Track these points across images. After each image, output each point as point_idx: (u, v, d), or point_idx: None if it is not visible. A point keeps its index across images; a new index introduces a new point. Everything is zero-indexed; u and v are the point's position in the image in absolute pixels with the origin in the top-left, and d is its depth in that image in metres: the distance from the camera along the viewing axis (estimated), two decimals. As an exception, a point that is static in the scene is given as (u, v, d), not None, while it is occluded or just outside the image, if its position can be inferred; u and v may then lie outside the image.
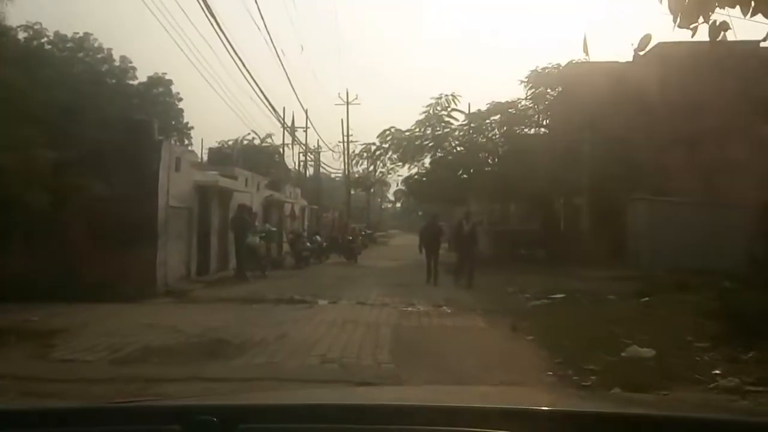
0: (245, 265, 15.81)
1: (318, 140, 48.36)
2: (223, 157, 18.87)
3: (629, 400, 2.56)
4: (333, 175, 56.54)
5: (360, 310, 10.77)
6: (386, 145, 23.71)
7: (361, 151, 24.41)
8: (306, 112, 44.53)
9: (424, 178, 24.69)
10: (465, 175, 25.24)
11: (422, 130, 23.80)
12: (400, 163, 25.01)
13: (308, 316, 10.09)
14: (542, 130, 26.26)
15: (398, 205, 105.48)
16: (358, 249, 24.94)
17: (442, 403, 1.62)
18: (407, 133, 23.55)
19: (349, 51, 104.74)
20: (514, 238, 24.09)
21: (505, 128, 25.03)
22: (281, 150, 42.76)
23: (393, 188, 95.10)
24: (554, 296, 12.01)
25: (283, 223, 24.97)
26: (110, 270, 12.22)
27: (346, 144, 38.45)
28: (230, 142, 45.68)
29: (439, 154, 25.07)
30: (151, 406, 1.59)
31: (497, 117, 24.76)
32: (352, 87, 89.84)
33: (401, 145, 23.59)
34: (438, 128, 24.08)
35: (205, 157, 24.83)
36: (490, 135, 25.16)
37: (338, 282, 15.81)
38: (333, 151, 39.40)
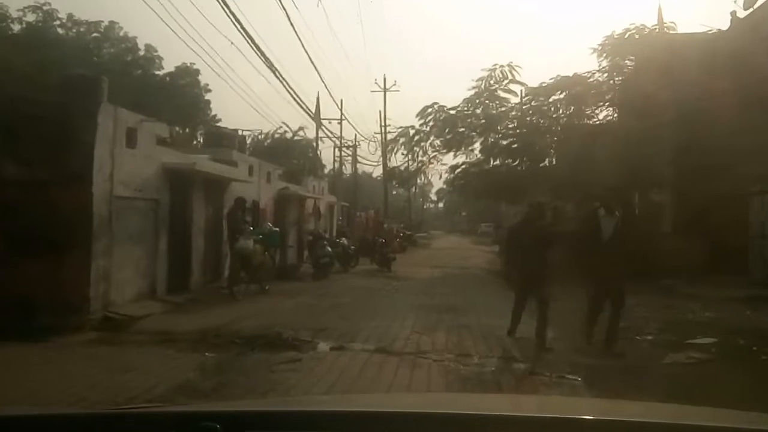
0: (233, 278, 11.62)
1: (355, 135, 44.42)
2: (224, 140, 14.63)
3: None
4: (375, 175, 52.32)
5: (378, 372, 6.35)
6: (427, 127, 19.23)
7: (397, 135, 20.07)
8: (340, 103, 40.70)
9: (473, 169, 20.08)
10: (521, 167, 20.62)
11: (471, 109, 19.20)
12: (445, 150, 20.44)
13: (286, 383, 5.75)
14: (615, 111, 21.34)
15: (441, 205, 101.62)
16: (393, 254, 20.54)
17: (452, 410, 1.57)
18: (453, 112, 18.96)
19: (387, 31, 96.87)
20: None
21: (572, 108, 20.27)
22: (314, 144, 38.91)
23: (436, 188, 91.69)
24: (698, 341, 7.38)
25: (304, 223, 20.81)
26: (18, 288, 8.24)
27: (383, 135, 34.06)
28: (261, 136, 42.29)
29: (491, 140, 20.47)
30: (154, 412, 1.53)
31: (561, 95, 19.99)
32: (390, 72, 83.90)
33: (446, 126, 19.03)
34: (491, 106, 19.45)
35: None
36: (553, 116, 20.44)
37: (359, 304, 11.46)
38: (370, 141, 34.91)
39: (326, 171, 45.99)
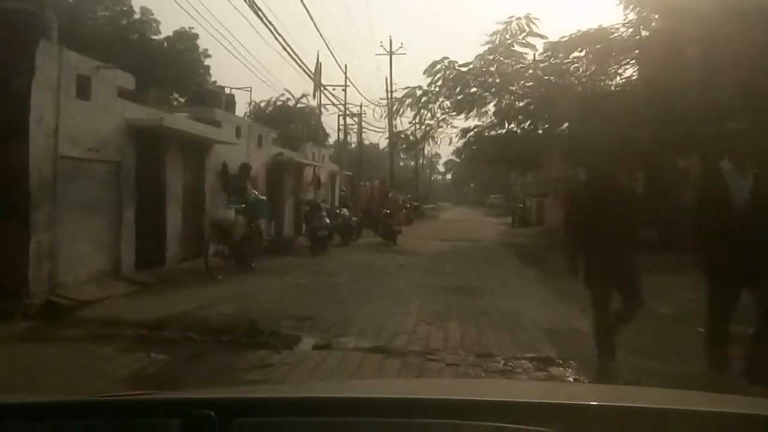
0: (209, 254, 10.03)
1: (361, 104, 42.59)
2: (208, 97, 12.93)
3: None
4: (381, 147, 50.26)
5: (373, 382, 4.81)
6: (436, 87, 17.39)
7: (403, 96, 18.25)
8: (345, 68, 38.69)
9: (486, 132, 18.28)
10: (539, 130, 18.85)
11: (485, 66, 17.30)
12: (455, 113, 18.60)
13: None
14: (638, 70, 19.38)
15: (448, 176, 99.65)
16: (399, 226, 18.91)
17: (450, 396, 1.49)
18: (465, 70, 17.06)
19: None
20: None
21: (594, 67, 18.39)
22: (317, 111, 37.08)
23: (444, 158, 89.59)
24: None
25: (301, 192, 19.19)
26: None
27: (390, 100, 32.14)
28: (262, 104, 40.53)
29: (506, 101, 18.63)
30: (148, 399, 1.46)
31: (582, 53, 18.08)
32: (396, 35, 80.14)
33: (457, 86, 17.17)
34: (507, 64, 17.58)
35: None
36: (574, 76, 18.54)
37: (356, 284, 9.88)
38: (376, 105, 32.83)
39: (331, 141, 44.37)
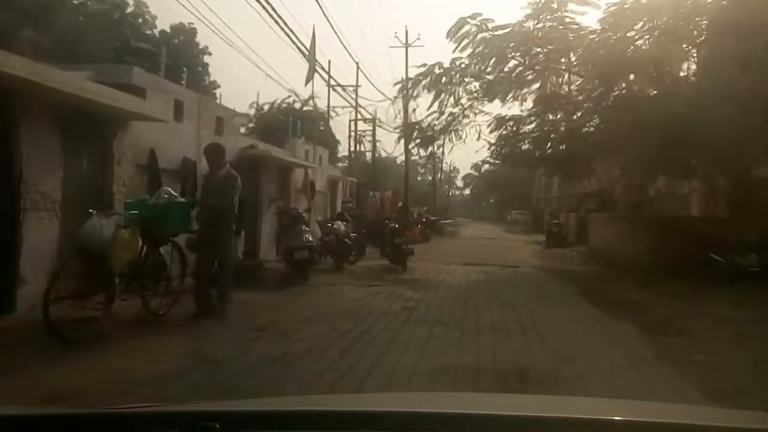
0: (48, 296, 5.51)
1: (375, 110, 38.35)
2: (129, 55, 8.66)
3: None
4: (399, 161, 45.54)
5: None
6: (462, 62, 13.04)
7: (418, 75, 13.83)
8: (357, 66, 34.56)
9: (529, 122, 13.84)
10: (591, 125, 14.44)
11: (530, 28, 12.91)
12: (486, 98, 14.21)
13: None
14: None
15: (467, 191, 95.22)
16: (412, 245, 14.47)
17: (452, 411, 1.48)
18: (502, 33, 12.64)
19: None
20: (695, 232, 12.97)
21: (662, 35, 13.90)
22: (328, 115, 32.98)
23: (462, 172, 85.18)
24: None
25: (290, 201, 14.92)
26: None
27: (406, 98, 27.83)
28: (266, 106, 36.55)
29: (551, 84, 14.25)
30: (154, 411, 1.46)
31: (644, 26, 13.63)
32: (413, 26, 73.57)
33: (491, 56, 12.76)
34: (556, 30, 13.18)
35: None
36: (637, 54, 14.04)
37: (320, 359, 5.36)
38: (390, 99, 28.27)
39: (344, 150, 40.19)
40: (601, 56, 13.18)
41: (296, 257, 10.22)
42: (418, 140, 15.27)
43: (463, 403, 1.85)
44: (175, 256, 7.01)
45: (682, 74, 14.94)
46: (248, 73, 75.76)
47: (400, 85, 14.21)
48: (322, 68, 22.11)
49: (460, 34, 12.68)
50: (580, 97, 14.64)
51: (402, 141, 17.42)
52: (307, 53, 18.01)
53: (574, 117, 14.82)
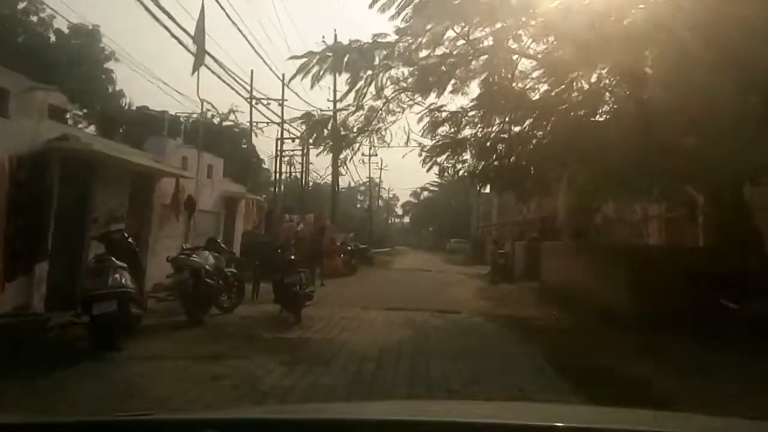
0: None
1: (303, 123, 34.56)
2: None
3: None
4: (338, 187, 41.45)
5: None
6: (386, 39, 9.38)
7: (324, 50, 9.93)
8: (282, 77, 30.72)
9: (469, 116, 10.29)
10: (543, 130, 11.16)
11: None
12: (417, 95, 10.62)
13: None
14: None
15: (406, 219, 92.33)
16: (310, 286, 10.46)
17: (447, 419, 1.54)
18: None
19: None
20: (680, 265, 9.64)
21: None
22: (250, 131, 28.98)
23: (402, 200, 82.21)
24: None
25: (144, 219, 10.78)
26: None
27: (335, 112, 24.01)
28: (182, 118, 32.11)
29: (498, 78, 10.83)
30: (156, 420, 1.47)
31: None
32: (342, 31, 68.05)
33: (427, 22, 9.15)
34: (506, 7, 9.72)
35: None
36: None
37: None
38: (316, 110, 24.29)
39: (267, 167, 36.14)
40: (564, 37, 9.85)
41: (96, 312, 6.12)
42: (329, 142, 11.45)
43: (457, 410, 2.04)
44: None
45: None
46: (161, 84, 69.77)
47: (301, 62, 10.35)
48: (241, 80, 18.14)
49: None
50: (535, 96, 11.36)
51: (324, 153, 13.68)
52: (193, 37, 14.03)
53: (526, 122, 11.53)
